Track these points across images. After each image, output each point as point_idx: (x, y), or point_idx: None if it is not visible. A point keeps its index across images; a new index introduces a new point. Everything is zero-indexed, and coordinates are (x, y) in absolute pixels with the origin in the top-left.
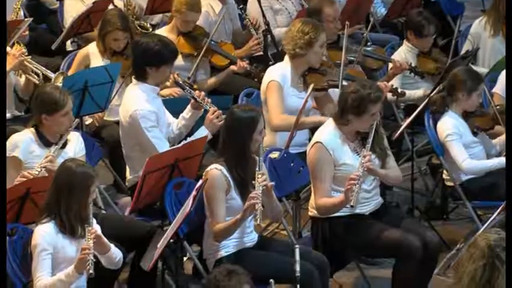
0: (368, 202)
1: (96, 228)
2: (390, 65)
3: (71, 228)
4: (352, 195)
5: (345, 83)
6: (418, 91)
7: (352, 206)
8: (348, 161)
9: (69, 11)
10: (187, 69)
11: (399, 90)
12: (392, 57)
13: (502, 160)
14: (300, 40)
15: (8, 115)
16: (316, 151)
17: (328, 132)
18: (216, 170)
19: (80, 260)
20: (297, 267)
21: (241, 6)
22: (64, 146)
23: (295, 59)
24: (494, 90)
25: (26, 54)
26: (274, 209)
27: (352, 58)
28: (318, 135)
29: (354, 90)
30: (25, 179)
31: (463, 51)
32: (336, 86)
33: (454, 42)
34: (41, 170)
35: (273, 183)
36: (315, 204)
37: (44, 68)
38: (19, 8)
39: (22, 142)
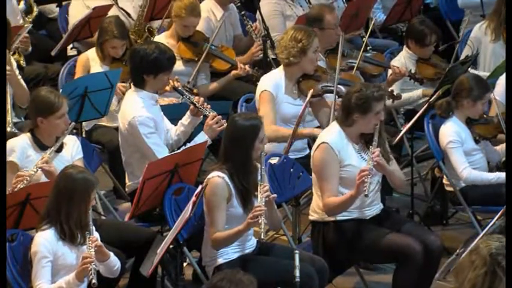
0: (369, 207)
1: (96, 235)
2: (390, 71)
3: (71, 235)
4: (365, 186)
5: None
6: (416, 91)
7: (366, 195)
8: (353, 162)
9: (74, 15)
10: (188, 74)
11: (395, 93)
12: (392, 62)
13: (502, 175)
14: (293, 49)
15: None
16: (322, 151)
17: (333, 133)
18: (219, 178)
19: (81, 268)
20: (297, 273)
21: (243, 12)
22: (60, 149)
23: (289, 67)
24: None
25: (23, 63)
26: (273, 219)
27: (352, 64)
28: (323, 136)
29: (358, 89)
30: (20, 178)
31: (463, 56)
32: (331, 92)
33: (456, 47)
34: (37, 170)
35: (275, 195)
36: (322, 205)
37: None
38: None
39: (18, 147)
